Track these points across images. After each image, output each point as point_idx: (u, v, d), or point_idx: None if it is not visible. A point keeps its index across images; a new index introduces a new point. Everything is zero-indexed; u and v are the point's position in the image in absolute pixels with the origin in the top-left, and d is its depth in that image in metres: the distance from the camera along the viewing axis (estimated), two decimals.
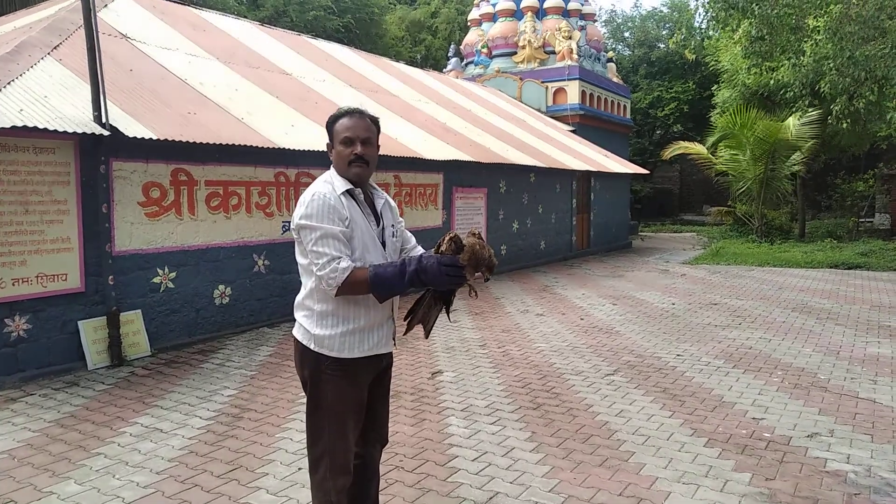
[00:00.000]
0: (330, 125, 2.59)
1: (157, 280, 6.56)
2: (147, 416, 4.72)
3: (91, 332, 5.95)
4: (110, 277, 6.07)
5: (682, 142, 20.64)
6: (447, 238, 2.45)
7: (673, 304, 9.32)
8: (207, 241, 7.00)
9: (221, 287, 7.18)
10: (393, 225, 2.71)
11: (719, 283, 11.31)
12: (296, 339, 2.64)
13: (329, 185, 2.52)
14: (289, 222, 7.85)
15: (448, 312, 2.64)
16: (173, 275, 6.70)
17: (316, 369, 2.56)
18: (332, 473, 2.55)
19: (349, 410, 2.57)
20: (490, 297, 9.91)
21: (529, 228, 13.68)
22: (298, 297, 2.64)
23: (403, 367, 6.01)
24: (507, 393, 5.25)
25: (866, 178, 20.96)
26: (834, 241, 17.22)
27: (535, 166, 12.73)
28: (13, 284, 5.47)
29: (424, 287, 2.50)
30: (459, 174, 11.12)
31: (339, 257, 2.42)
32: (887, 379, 5.55)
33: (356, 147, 2.53)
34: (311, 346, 2.55)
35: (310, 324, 2.56)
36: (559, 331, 7.57)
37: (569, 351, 6.61)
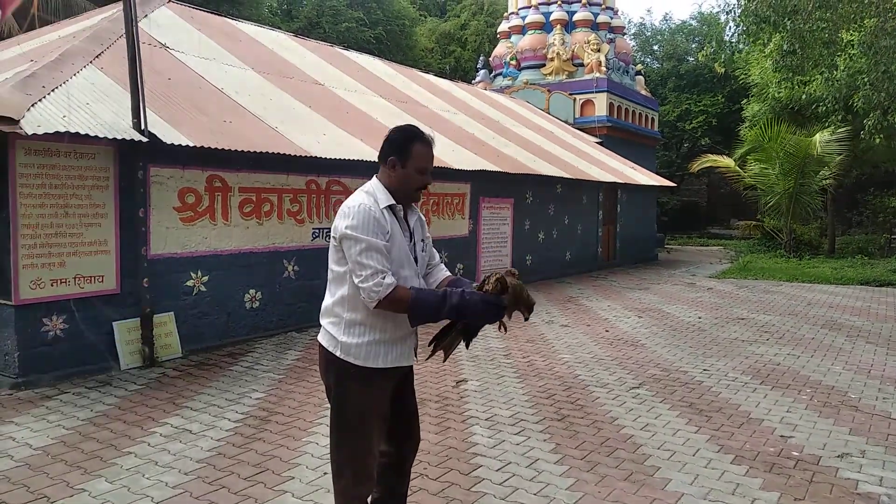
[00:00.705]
0: (405, 144, 2.58)
1: (190, 283, 6.69)
2: (177, 416, 4.82)
3: (125, 333, 6.08)
4: (145, 280, 6.21)
5: (710, 155, 20.49)
6: (493, 278, 2.52)
7: (699, 317, 9.24)
8: (240, 245, 7.12)
9: (252, 291, 7.29)
10: (423, 240, 2.76)
11: (746, 298, 11.19)
12: (321, 345, 2.68)
13: (372, 197, 2.55)
14: (319, 229, 7.97)
15: (468, 343, 2.69)
16: (206, 278, 6.82)
17: (341, 376, 2.60)
18: (355, 481, 2.59)
19: (373, 417, 2.60)
20: None
21: (555, 239, 13.66)
22: (326, 303, 2.67)
23: (428, 374, 6.05)
24: (531, 403, 5.26)
25: None
26: (865, 258, 16.94)
27: (561, 177, 12.72)
28: (52, 285, 5.63)
29: (462, 316, 2.52)
30: (487, 184, 11.16)
31: (384, 272, 2.45)
32: None
33: (427, 178, 2.62)
34: (337, 353, 2.59)
35: (337, 331, 2.60)
36: (584, 342, 7.56)
37: (594, 363, 6.59)
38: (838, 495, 3.66)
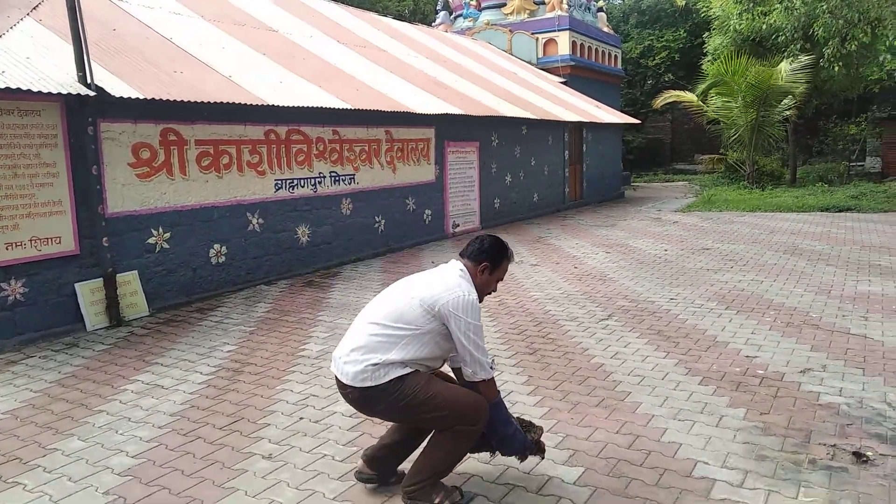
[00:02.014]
0: (499, 258, 2.95)
1: (151, 241, 6.55)
2: (148, 373, 4.77)
3: (88, 294, 5.96)
4: (104, 239, 6.05)
5: (673, 91, 20.46)
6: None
7: (665, 250, 9.37)
8: (200, 200, 6.97)
9: (217, 246, 7.17)
10: None
11: (711, 229, 11.36)
12: (361, 388, 2.74)
13: (474, 291, 2.83)
14: (281, 181, 7.83)
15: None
16: (168, 235, 6.68)
17: (394, 387, 2.71)
18: (476, 419, 2.78)
19: (436, 377, 2.86)
20: None
21: (522, 181, 13.64)
22: (378, 357, 2.72)
23: None
24: (503, 340, 5.32)
25: (858, 122, 20.89)
26: (825, 186, 17.27)
27: (526, 118, 12.63)
28: (7, 249, 5.46)
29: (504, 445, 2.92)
30: (451, 128, 11.03)
31: (490, 356, 2.84)
32: (878, 315, 5.63)
33: (496, 287, 3.04)
34: (382, 382, 2.70)
35: (392, 367, 2.72)
36: (553, 279, 7.62)
37: (563, 298, 6.66)
38: (801, 407, 3.79)
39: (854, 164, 21.32)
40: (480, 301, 2.90)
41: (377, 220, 9.52)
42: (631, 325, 5.60)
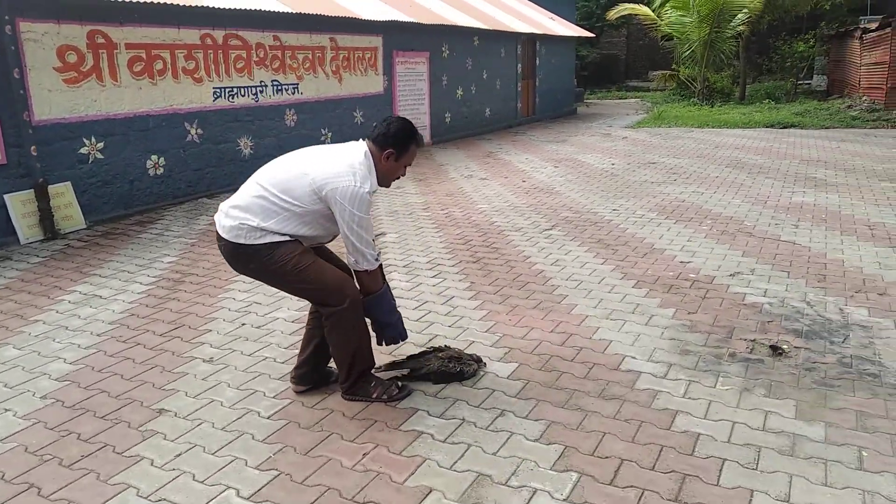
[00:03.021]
0: (406, 142, 2.79)
1: (84, 150, 6.28)
2: (85, 284, 4.68)
3: (19, 206, 5.74)
4: (33, 148, 5.78)
5: (628, 3, 20.16)
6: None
7: (612, 164, 9.47)
8: (134, 108, 6.67)
9: (154, 157, 6.94)
10: None
11: (659, 145, 11.49)
12: (235, 244, 2.69)
13: (368, 181, 2.70)
14: (220, 89, 7.53)
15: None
16: (101, 145, 6.42)
17: (261, 253, 2.69)
18: (341, 298, 2.76)
19: (309, 252, 2.80)
20: (434, 164, 9.87)
21: (474, 95, 13.45)
22: (255, 221, 2.68)
23: None
24: (448, 250, 5.37)
25: (807, 40, 21.03)
26: (772, 103, 17.51)
27: (478, 28, 12.33)
28: None
29: (387, 326, 2.93)
30: (400, 37, 10.70)
31: (375, 246, 2.79)
32: (808, 224, 5.86)
33: (405, 172, 2.92)
34: (254, 243, 2.68)
35: (263, 234, 2.69)
36: (501, 193, 7.66)
37: (510, 210, 6.72)
38: (727, 307, 3.97)
39: (801, 82, 21.59)
40: (388, 185, 2.88)
41: (324, 132, 9.31)
42: (573, 235, 5.70)
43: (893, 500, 2.20)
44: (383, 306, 2.90)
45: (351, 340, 2.84)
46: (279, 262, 2.69)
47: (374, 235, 2.85)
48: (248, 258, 2.72)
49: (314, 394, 3.03)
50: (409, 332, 3.11)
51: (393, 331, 2.95)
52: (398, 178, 2.93)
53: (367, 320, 2.91)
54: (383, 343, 3.00)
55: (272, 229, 2.68)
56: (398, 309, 3.01)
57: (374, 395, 2.89)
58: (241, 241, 2.68)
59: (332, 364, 3.04)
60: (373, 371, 3.02)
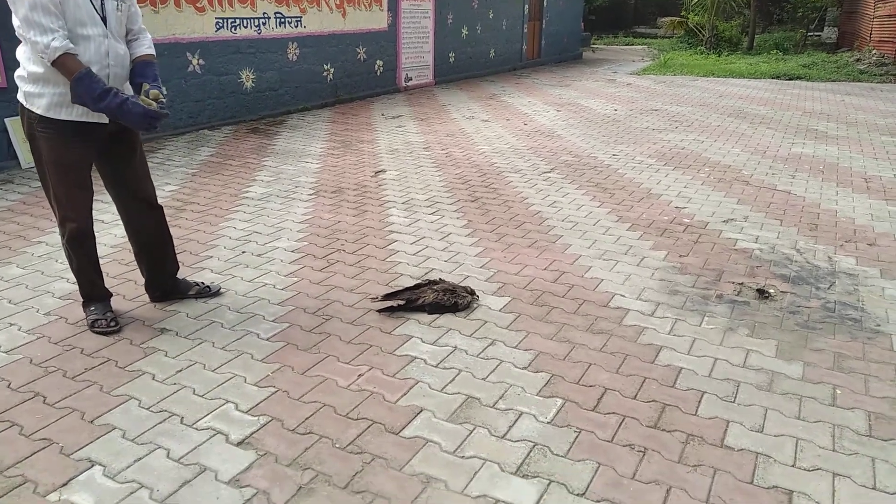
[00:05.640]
0: None
1: None
2: None
3: (20, 130, 5.74)
4: None
5: None
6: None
7: (615, 110, 9.41)
8: None
9: None
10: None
11: (663, 92, 11.39)
12: (18, 98, 2.74)
13: None
14: (223, 20, 7.42)
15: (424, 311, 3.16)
16: None
17: (31, 126, 2.72)
18: (60, 220, 2.86)
19: (66, 165, 2.75)
20: (436, 104, 9.80)
21: (479, 35, 13.22)
22: (17, 53, 2.69)
23: (346, 166, 6.06)
24: (447, 189, 5.41)
25: None
26: (780, 54, 17.26)
27: None
28: None
29: (116, 118, 2.63)
30: None
31: (54, 32, 2.47)
32: (805, 174, 5.89)
33: None
34: (24, 103, 2.69)
35: (23, 82, 2.67)
36: (502, 135, 7.64)
37: (510, 152, 6.73)
38: (718, 251, 4.04)
39: (812, 33, 21.22)
40: None
41: (326, 68, 9.21)
42: (571, 178, 5.73)
43: (861, 434, 2.31)
44: (86, 91, 2.52)
45: (72, 262, 3.01)
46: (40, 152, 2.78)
47: (57, 22, 2.49)
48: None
49: (311, 319, 3.12)
50: (407, 266, 3.18)
51: (119, 111, 2.57)
52: None
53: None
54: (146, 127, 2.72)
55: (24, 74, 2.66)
56: (122, 95, 2.61)
57: (88, 321, 3.03)
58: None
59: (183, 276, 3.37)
60: (371, 302, 3.16)
